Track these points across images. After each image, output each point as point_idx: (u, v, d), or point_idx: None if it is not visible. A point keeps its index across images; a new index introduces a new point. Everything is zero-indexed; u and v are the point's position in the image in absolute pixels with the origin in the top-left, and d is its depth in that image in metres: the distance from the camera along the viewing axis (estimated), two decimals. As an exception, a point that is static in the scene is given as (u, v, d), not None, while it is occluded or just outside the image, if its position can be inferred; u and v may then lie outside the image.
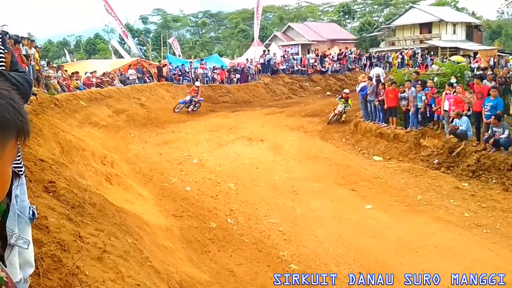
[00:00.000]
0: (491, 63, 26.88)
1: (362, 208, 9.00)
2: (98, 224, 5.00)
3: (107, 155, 10.68)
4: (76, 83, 17.41)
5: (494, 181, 9.87)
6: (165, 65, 24.12)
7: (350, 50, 33.35)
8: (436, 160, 11.55)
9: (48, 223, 3.97)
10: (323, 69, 29.55)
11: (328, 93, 27.44)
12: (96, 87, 17.99)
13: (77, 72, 18.47)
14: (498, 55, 33.70)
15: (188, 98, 19.83)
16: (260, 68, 27.30)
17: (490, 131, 10.33)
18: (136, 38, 40.56)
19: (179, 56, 29.86)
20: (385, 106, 14.01)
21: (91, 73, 18.93)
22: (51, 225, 3.97)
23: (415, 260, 6.75)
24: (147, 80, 22.31)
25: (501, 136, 10.07)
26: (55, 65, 20.16)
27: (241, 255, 6.90)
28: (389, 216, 8.57)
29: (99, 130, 13.99)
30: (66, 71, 18.20)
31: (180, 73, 23.74)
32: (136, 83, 21.05)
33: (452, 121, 11.52)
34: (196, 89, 20.26)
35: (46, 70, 15.67)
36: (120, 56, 33.01)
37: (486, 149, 10.50)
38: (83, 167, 8.67)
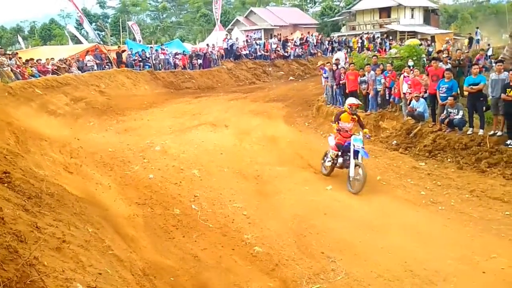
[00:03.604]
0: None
1: (325, 190, 9.20)
2: (57, 214, 4.89)
3: (66, 144, 10.38)
4: (31, 71, 16.73)
5: (449, 160, 10.30)
6: (124, 50, 23.42)
7: (312, 35, 33.62)
8: (395, 141, 11.92)
9: (3, 214, 3.84)
10: (285, 54, 29.63)
11: (291, 78, 27.60)
12: (52, 74, 17.35)
13: (32, 59, 17.72)
14: (454, 38, 34.73)
15: None
16: (223, 53, 27.07)
17: (445, 112, 10.72)
18: (93, 23, 39.14)
19: (140, 41, 29.04)
20: (347, 91, 14.23)
21: (46, 59, 18.20)
22: (6, 216, 3.84)
23: (375, 238, 6.98)
24: (106, 67, 21.68)
25: (455, 117, 10.48)
26: (8, 52, 19.26)
27: (205, 240, 6.93)
28: (350, 197, 8.81)
29: (57, 119, 13.55)
30: (20, 58, 17.44)
31: (140, 58, 23.17)
32: (95, 70, 20.43)
33: (409, 103, 11.87)
34: None
35: (-2, 58, 14.98)
36: (78, 42, 31.79)
37: (442, 130, 10.92)
38: (40, 157, 8.40)
